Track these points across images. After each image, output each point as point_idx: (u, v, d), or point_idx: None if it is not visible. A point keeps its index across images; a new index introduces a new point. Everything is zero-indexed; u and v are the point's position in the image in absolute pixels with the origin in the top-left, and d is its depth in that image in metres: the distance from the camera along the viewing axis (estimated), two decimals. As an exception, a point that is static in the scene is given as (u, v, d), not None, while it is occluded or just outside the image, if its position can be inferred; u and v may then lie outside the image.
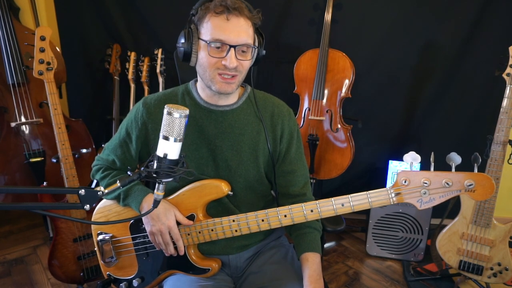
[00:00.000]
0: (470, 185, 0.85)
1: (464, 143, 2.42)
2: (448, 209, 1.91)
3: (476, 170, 0.87)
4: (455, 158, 0.87)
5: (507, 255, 1.70)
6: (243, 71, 1.02)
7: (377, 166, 2.56)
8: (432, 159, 0.89)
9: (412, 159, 0.92)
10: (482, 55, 2.24)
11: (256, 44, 1.04)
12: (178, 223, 1.07)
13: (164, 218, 1.05)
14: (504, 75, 1.61)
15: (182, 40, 0.99)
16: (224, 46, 0.96)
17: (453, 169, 0.87)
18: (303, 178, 1.16)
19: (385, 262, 2.22)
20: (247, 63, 1.01)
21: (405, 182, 0.89)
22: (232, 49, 0.95)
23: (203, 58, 0.99)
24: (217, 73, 0.99)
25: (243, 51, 0.98)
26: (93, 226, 1.20)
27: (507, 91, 1.60)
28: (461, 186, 0.86)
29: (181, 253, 1.09)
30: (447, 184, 0.86)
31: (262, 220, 1.02)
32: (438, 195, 0.88)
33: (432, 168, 0.88)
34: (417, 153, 0.91)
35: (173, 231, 1.05)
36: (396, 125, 2.52)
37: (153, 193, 1.07)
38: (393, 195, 0.91)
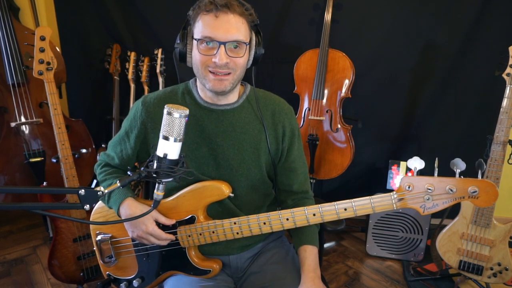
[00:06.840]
0: (474, 192, 0.84)
1: (464, 143, 2.42)
2: (448, 209, 1.91)
3: (480, 176, 0.86)
4: (460, 164, 0.87)
5: (507, 255, 1.70)
6: (237, 68, 1.00)
7: (377, 166, 2.56)
8: (436, 164, 0.89)
9: (416, 164, 0.92)
10: (482, 55, 2.24)
11: (253, 42, 1.02)
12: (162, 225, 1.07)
13: (141, 225, 1.05)
14: (504, 75, 1.61)
15: (178, 41, 1.02)
16: (214, 43, 0.95)
17: (457, 175, 0.86)
18: (303, 175, 1.19)
19: (385, 262, 2.22)
20: (240, 60, 0.99)
21: (408, 187, 0.89)
22: (222, 46, 0.95)
23: (195, 57, 1.00)
24: (209, 70, 0.99)
25: (235, 47, 0.97)
26: (91, 226, 1.20)
27: (507, 91, 1.60)
28: (465, 193, 0.85)
29: (172, 238, 1.08)
30: (451, 190, 0.85)
31: (264, 223, 1.01)
32: (441, 201, 0.87)
33: (436, 174, 0.88)
34: (416, 153, 0.92)
35: (154, 234, 1.05)
36: (396, 125, 2.51)
37: (132, 196, 1.08)
38: (396, 200, 0.91)
